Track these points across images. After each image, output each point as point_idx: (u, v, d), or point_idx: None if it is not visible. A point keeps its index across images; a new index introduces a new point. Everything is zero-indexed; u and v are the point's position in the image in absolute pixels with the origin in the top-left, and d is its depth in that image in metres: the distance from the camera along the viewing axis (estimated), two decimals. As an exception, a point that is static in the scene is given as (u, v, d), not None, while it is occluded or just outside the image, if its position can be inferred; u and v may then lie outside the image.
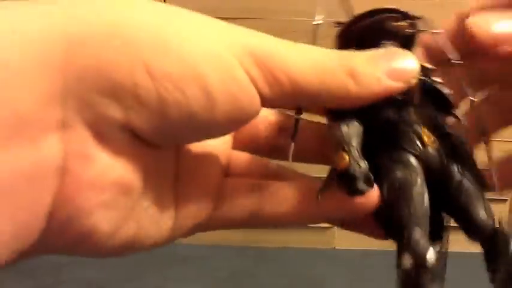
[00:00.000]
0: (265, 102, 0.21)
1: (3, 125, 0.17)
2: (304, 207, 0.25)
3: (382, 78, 0.22)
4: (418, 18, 0.26)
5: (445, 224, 0.25)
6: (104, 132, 0.19)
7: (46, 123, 0.18)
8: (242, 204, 0.25)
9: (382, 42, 0.25)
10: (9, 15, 0.18)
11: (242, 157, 0.27)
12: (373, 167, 0.23)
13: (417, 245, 0.22)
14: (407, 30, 0.25)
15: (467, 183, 0.24)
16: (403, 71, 0.23)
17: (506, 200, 1.16)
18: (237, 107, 0.21)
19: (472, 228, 0.24)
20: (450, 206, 0.24)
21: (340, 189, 0.23)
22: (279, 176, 0.27)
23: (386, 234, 0.24)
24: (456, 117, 0.25)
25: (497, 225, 0.24)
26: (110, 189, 0.20)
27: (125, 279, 1.10)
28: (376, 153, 0.24)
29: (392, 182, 0.23)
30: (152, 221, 0.23)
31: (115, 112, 0.19)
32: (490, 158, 0.26)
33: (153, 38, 0.19)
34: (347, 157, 0.23)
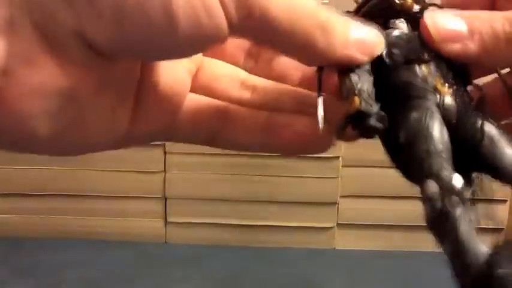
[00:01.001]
0: (232, 30, 0.21)
1: None
2: (263, 137, 0.26)
3: (350, 47, 0.22)
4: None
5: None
6: (52, 37, 0.18)
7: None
8: (201, 123, 0.26)
9: (392, 21, 0.26)
10: None
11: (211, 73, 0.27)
12: (388, 114, 0.24)
13: (442, 171, 0.21)
14: (414, 8, 0.25)
15: (490, 127, 0.23)
16: (370, 45, 0.23)
17: (506, 201, 1.18)
18: (201, 30, 0.20)
19: (501, 171, 0.23)
20: (474, 155, 0.23)
21: (354, 130, 0.24)
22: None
23: (408, 179, 0.24)
24: (477, 86, 0.25)
25: None
26: (54, 97, 0.19)
27: (125, 279, 1.10)
28: (391, 105, 0.24)
29: (408, 122, 0.23)
30: (103, 127, 0.22)
31: (66, 16, 0.18)
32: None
33: None
34: (358, 99, 0.23)
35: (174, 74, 0.25)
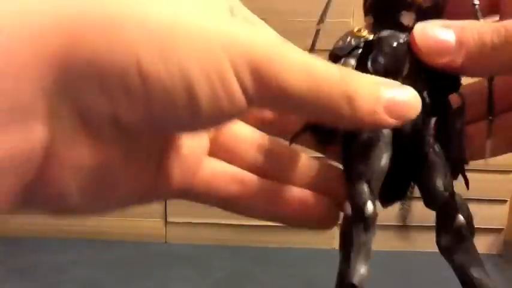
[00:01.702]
0: (251, 104, 0.21)
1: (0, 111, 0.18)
2: (273, 209, 0.27)
3: (379, 112, 0.21)
4: None
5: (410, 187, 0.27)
6: (89, 121, 0.20)
7: (38, 111, 0.19)
8: (215, 189, 0.27)
9: (402, 12, 0.25)
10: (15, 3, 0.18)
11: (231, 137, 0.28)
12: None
13: (358, 196, 0.24)
14: (424, 2, 0.25)
15: (433, 156, 0.25)
16: (403, 108, 0.22)
17: (506, 201, 1.17)
18: (221, 110, 0.21)
19: (428, 195, 0.25)
20: (415, 171, 0.26)
21: (311, 137, 0.26)
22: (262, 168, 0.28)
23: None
24: (461, 94, 0.25)
25: (453, 196, 0.25)
26: (89, 171, 0.21)
27: (125, 279, 1.11)
28: None
29: (356, 142, 0.25)
30: (129, 189, 0.24)
31: (103, 104, 0.20)
32: (488, 133, 0.26)
33: (150, 37, 0.19)
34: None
35: (193, 138, 0.26)
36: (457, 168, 0.26)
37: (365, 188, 0.24)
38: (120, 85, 0.19)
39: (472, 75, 0.26)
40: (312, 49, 0.28)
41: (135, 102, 0.20)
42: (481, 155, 0.27)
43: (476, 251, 0.24)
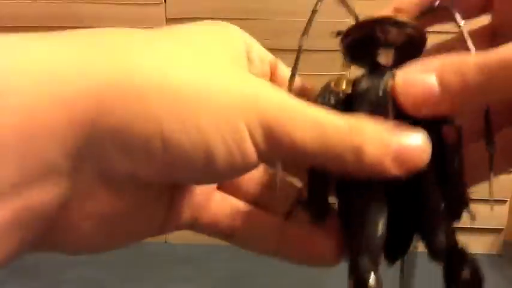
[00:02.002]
0: (263, 160, 0.22)
1: (31, 169, 0.19)
2: (277, 246, 0.27)
3: (386, 163, 0.21)
4: (412, 25, 0.25)
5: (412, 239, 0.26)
6: (109, 179, 0.21)
7: (62, 170, 0.20)
8: (221, 223, 0.27)
9: (378, 51, 0.25)
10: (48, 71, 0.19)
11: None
12: (342, 191, 0.25)
13: (359, 269, 0.23)
14: (399, 38, 0.25)
15: (432, 202, 0.24)
16: (411, 158, 0.21)
17: (506, 201, 1.17)
18: (234, 167, 0.22)
19: (431, 250, 0.25)
20: (415, 220, 0.25)
21: (303, 213, 0.25)
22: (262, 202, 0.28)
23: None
24: (456, 127, 0.24)
25: (456, 247, 0.24)
26: (105, 219, 0.22)
27: (125, 279, 1.11)
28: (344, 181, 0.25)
29: (350, 212, 0.24)
30: (141, 228, 0.25)
31: (123, 166, 0.21)
32: (491, 166, 0.25)
33: (171, 106, 0.20)
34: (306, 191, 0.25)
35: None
36: (458, 210, 0.25)
37: (365, 260, 0.23)
38: (142, 150, 0.20)
39: (461, 115, 0.25)
40: (296, 63, 0.28)
41: (156, 164, 0.21)
42: (480, 179, 0.27)
43: None
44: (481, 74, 0.22)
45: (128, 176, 0.21)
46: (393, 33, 0.25)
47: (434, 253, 0.24)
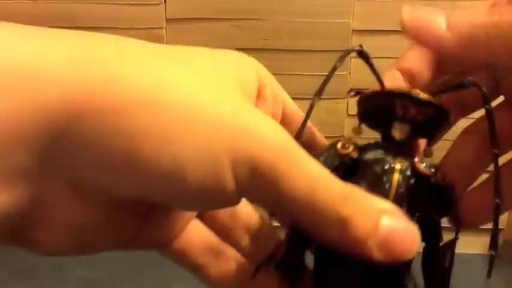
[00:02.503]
0: (246, 198, 0.21)
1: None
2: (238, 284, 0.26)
3: (370, 246, 0.19)
4: (431, 104, 0.24)
5: None
6: (79, 188, 0.20)
7: (30, 173, 0.19)
8: (193, 254, 0.27)
9: (394, 124, 0.24)
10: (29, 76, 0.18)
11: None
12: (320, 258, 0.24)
13: None
14: (417, 116, 0.24)
15: None
16: (398, 248, 0.20)
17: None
18: (211, 199, 0.21)
19: None
20: None
21: (275, 272, 0.24)
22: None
23: None
24: (455, 218, 0.24)
25: None
26: (74, 225, 0.22)
27: (125, 279, 1.11)
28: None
29: (323, 283, 0.24)
30: (107, 240, 0.24)
31: (92, 178, 0.20)
32: (496, 167, 0.24)
33: (152, 127, 0.19)
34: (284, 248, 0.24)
35: None
36: None
37: None
38: (112, 165, 0.19)
39: (463, 63, 0.24)
40: (305, 122, 0.26)
41: (126, 181, 0.20)
42: (484, 220, 0.25)
43: None
44: (489, 17, 0.22)
45: (96, 188, 0.20)
46: (412, 111, 0.24)
47: None
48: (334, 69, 0.26)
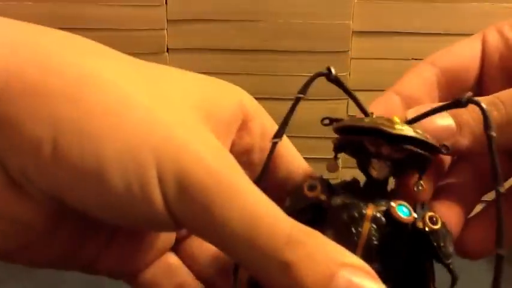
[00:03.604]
0: (177, 218, 0.19)
1: None
2: None
3: None
4: (403, 138, 0.21)
5: None
6: (11, 176, 0.19)
7: None
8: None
9: (372, 160, 0.22)
10: None
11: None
12: None
13: None
14: (395, 154, 0.21)
15: None
16: None
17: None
18: (138, 212, 0.19)
19: None
20: None
21: None
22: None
23: None
24: (448, 267, 0.22)
25: None
26: (9, 223, 0.20)
27: (125, 279, 1.11)
28: None
29: None
30: (59, 255, 0.23)
31: (15, 164, 0.19)
32: (499, 209, 0.22)
33: (74, 117, 0.18)
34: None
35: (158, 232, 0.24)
36: None
37: None
38: (30, 152, 0.18)
39: (480, 153, 0.23)
40: (265, 166, 0.23)
41: (44, 174, 0.19)
42: (489, 247, 0.23)
43: None
44: (497, 111, 0.22)
45: (23, 179, 0.19)
46: (385, 149, 0.21)
47: None
48: (297, 100, 0.23)
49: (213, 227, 0.18)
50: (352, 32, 1.07)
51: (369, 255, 0.20)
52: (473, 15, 1.11)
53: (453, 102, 0.22)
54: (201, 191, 0.18)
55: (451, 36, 1.11)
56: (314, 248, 0.17)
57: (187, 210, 0.18)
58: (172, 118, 0.19)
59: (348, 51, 1.07)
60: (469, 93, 0.21)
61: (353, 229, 0.20)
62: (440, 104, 0.23)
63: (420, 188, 0.23)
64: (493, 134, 0.20)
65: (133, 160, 0.18)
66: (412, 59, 1.12)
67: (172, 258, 0.26)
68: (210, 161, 0.18)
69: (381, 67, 1.10)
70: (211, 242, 0.19)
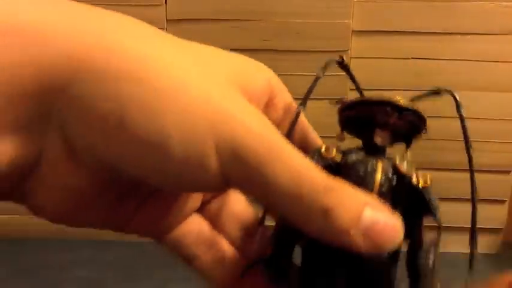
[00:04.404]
0: (230, 186, 0.21)
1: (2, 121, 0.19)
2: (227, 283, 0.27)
3: (354, 235, 0.20)
4: (411, 110, 0.25)
5: None
6: (73, 149, 0.21)
7: (30, 128, 0.20)
8: (184, 246, 0.27)
9: (375, 131, 0.25)
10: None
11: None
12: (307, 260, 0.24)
13: None
14: (398, 122, 0.24)
15: None
16: (382, 238, 0.20)
17: (505, 201, 1.18)
18: (197, 185, 0.21)
19: None
20: None
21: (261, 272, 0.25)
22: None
23: None
24: (438, 223, 0.24)
25: None
26: (64, 190, 0.22)
27: (125, 279, 1.11)
28: (313, 248, 0.24)
29: (312, 276, 0.24)
30: (101, 215, 0.24)
31: (81, 138, 0.21)
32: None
33: (141, 96, 0.20)
34: (273, 248, 0.25)
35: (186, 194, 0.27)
36: None
37: None
38: (98, 127, 0.20)
39: None
40: (290, 131, 0.26)
41: (111, 146, 0.20)
42: None
43: None
44: None
45: (87, 150, 0.21)
46: (393, 118, 0.24)
47: None
48: (316, 79, 0.27)
49: (264, 184, 0.20)
50: (352, 31, 1.07)
51: (382, 200, 0.22)
52: (473, 14, 1.11)
53: (433, 91, 0.26)
54: (254, 156, 0.20)
55: (451, 35, 1.11)
56: (344, 193, 0.20)
57: (241, 172, 0.20)
58: (220, 93, 0.21)
59: (348, 50, 1.07)
60: (446, 88, 0.26)
61: (368, 179, 0.23)
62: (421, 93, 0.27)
63: (408, 157, 0.25)
64: (463, 113, 0.25)
65: (192, 132, 0.20)
66: (412, 58, 1.12)
67: (198, 219, 0.28)
68: (258, 128, 0.21)
69: (380, 66, 1.10)
70: (259, 197, 0.22)
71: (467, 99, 1.15)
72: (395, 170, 0.24)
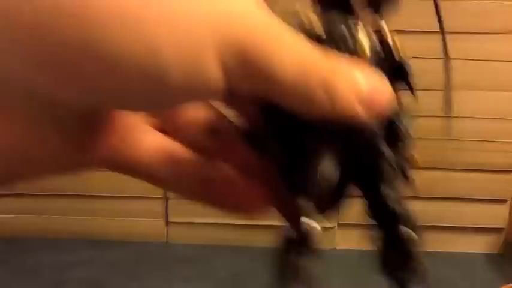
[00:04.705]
0: (230, 86, 0.20)
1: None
2: (203, 191, 0.25)
3: (357, 107, 0.21)
4: None
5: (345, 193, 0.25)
6: (3, 96, 0.19)
7: None
8: (148, 164, 0.25)
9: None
10: None
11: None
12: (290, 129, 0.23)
13: (305, 219, 0.22)
14: None
15: (387, 166, 0.24)
16: (380, 104, 0.21)
17: (506, 201, 1.18)
18: (193, 87, 0.19)
19: (376, 203, 0.24)
20: (363, 177, 0.24)
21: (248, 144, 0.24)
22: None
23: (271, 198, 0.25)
24: (412, 89, 0.25)
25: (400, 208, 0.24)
26: (2, 148, 0.20)
27: (125, 279, 1.11)
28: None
29: (295, 150, 0.23)
30: (47, 163, 0.23)
31: (43, 83, 0.18)
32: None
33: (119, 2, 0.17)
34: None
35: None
36: (406, 172, 0.24)
37: (305, 203, 0.22)
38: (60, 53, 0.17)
39: None
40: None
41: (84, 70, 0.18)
42: None
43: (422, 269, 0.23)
44: None
45: (23, 93, 0.19)
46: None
47: (379, 205, 0.24)
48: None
49: (269, 78, 0.20)
50: (353, 30, 1.06)
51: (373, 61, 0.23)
52: (475, 13, 1.11)
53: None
54: (260, 51, 0.20)
55: (452, 34, 1.11)
56: (341, 68, 0.21)
57: (246, 73, 0.20)
58: None
59: (349, 49, 1.07)
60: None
61: (359, 52, 0.23)
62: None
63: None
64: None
65: (189, 38, 0.18)
66: (413, 57, 1.12)
67: (152, 134, 0.25)
68: (257, 17, 0.21)
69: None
70: (260, 91, 0.21)
71: (467, 99, 1.15)
72: (381, 40, 0.25)
